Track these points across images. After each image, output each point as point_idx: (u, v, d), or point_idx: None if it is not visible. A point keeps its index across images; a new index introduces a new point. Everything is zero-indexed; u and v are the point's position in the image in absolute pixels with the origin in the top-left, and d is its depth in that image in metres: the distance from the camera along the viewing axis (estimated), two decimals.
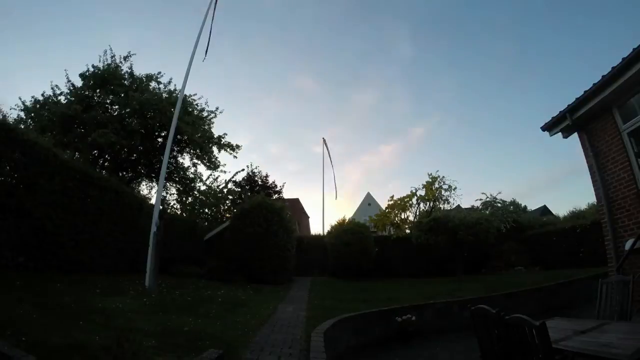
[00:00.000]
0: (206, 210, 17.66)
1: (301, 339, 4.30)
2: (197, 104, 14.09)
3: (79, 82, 12.47)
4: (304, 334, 4.49)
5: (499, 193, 18.15)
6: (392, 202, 19.37)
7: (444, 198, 18.16)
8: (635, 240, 4.46)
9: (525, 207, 23.50)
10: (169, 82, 13.63)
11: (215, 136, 14.54)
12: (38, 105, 12.06)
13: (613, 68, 4.63)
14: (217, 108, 14.56)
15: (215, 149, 14.71)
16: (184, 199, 16.61)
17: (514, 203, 21.09)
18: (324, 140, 25.17)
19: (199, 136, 13.70)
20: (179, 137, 12.88)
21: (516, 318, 2.20)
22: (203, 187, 16.83)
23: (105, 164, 12.89)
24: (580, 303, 7.09)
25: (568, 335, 2.58)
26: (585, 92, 5.19)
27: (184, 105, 12.61)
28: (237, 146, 15.12)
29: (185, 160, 14.95)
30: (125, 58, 13.04)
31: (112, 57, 12.81)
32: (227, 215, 16.82)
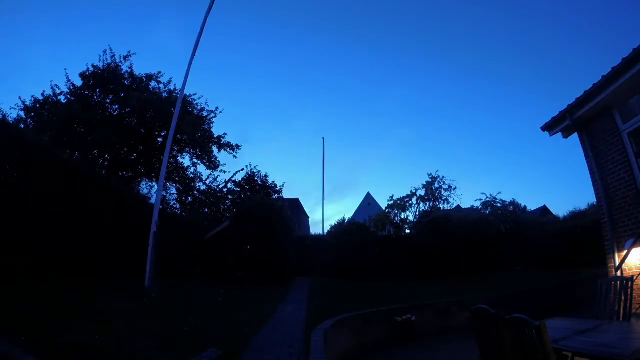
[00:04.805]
0: (206, 210, 17.64)
1: (301, 338, 4.30)
2: (197, 104, 14.10)
3: (79, 82, 12.48)
4: (304, 334, 4.49)
5: (499, 193, 18.17)
6: (392, 202, 19.37)
7: (444, 198, 18.15)
8: (635, 240, 4.46)
9: (525, 207, 23.38)
10: (169, 82, 13.63)
11: (215, 136, 14.54)
12: (38, 105, 12.05)
13: (613, 68, 4.63)
14: (217, 108, 14.57)
15: (215, 148, 14.72)
16: (184, 198, 16.60)
17: (514, 203, 20.96)
18: (324, 140, 25.27)
19: (199, 136, 13.69)
20: (179, 137, 12.87)
21: (516, 318, 2.19)
22: (203, 187, 16.83)
23: (105, 163, 12.87)
24: (580, 303, 7.10)
25: (568, 335, 2.57)
26: (585, 92, 5.18)
27: (184, 105, 12.60)
28: (237, 146, 15.13)
29: (185, 160, 14.95)
30: (125, 58, 13.03)
31: (112, 56, 12.79)
32: (227, 215, 16.81)
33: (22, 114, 12.00)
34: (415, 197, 18.61)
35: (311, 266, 14.18)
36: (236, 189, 18.37)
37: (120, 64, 12.87)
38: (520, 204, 21.99)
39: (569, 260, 11.57)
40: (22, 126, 11.10)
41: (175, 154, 14.21)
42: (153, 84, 13.39)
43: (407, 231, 17.16)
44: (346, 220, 17.75)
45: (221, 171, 15.68)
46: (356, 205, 46.63)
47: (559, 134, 6.03)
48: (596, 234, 6.07)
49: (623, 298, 3.59)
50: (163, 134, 12.99)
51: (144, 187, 15.59)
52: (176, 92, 12.98)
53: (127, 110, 12.51)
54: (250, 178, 18.57)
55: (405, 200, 18.73)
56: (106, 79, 12.42)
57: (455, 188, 18.25)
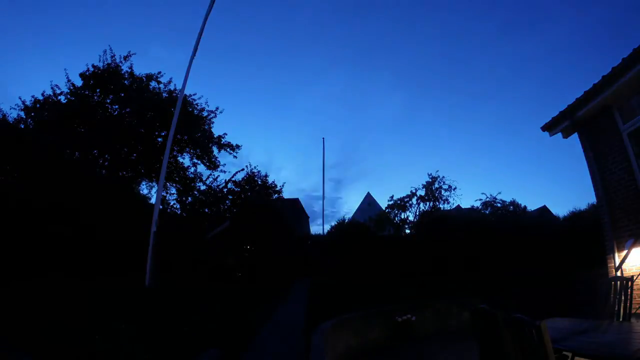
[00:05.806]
0: (206, 210, 17.65)
1: (301, 339, 4.30)
2: (197, 104, 14.11)
3: (79, 82, 12.48)
4: (304, 334, 4.49)
5: (499, 193, 18.17)
6: (392, 202, 19.38)
7: (444, 198, 18.15)
8: (635, 240, 4.46)
9: (525, 207, 23.37)
10: (169, 82, 13.64)
11: (215, 136, 14.56)
12: (38, 105, 12.05)
13: (613, 68, 4.63)
14: (217, 108, 14.58)
15: (215, 148, 14.73)
16: (184, 198, 16.60)
17: (513, 203, 20.98)
18: (324, 141, 25.34)
19: (199, 136, 13.71)
20: (179, 137, 12.89)
21: (516, 318, 2.19)
22: (203, 187, 16.84)
23: (105, 163, 12.88)
24: (580, 303, 7.10)
25: (568, 335, 2.57)
26: (585, 92, 5.19)
27: (184, 105, 12.61)
28: (237, 146, 15.14)
29: (185, 160, 14.97)
30: (125, 58, 13.03)
31: (112, 57, 12.79)
32: (227, 215, 16.81)
33: (22, 114, 11.97)
34: (415, 197, 18.61)
35: (311, 266, 14.19)
36: (236, 189, 18.38)
37: (120, 64, 12.87)
38: (520, 204, 21.98)
39: (569, 260, 11.57)
40: (22, 126, 11.09)
41: (175, 154, 14.21)
42: (153, 84, 13.40)
43: (407, 231, 17.17)
44: (346, 221, 17.76)
45: (221, 171, 15.68)
46: (356, 205, 46.65)
47: (559, 134, 6.03)
48: (596, 234, 6.08)
49: (623, 298, 3.59)
50: (163, 134, 13.00)
51: (144, 187, 15.61)
52: (176, 92, 12.99)
53: (127, 110, 12.52)
54: (250, 178, 18.57)
55: (405, 200, 18.72)
56: (106, 79, 12.43)
57: (455, 188, 18.24)
